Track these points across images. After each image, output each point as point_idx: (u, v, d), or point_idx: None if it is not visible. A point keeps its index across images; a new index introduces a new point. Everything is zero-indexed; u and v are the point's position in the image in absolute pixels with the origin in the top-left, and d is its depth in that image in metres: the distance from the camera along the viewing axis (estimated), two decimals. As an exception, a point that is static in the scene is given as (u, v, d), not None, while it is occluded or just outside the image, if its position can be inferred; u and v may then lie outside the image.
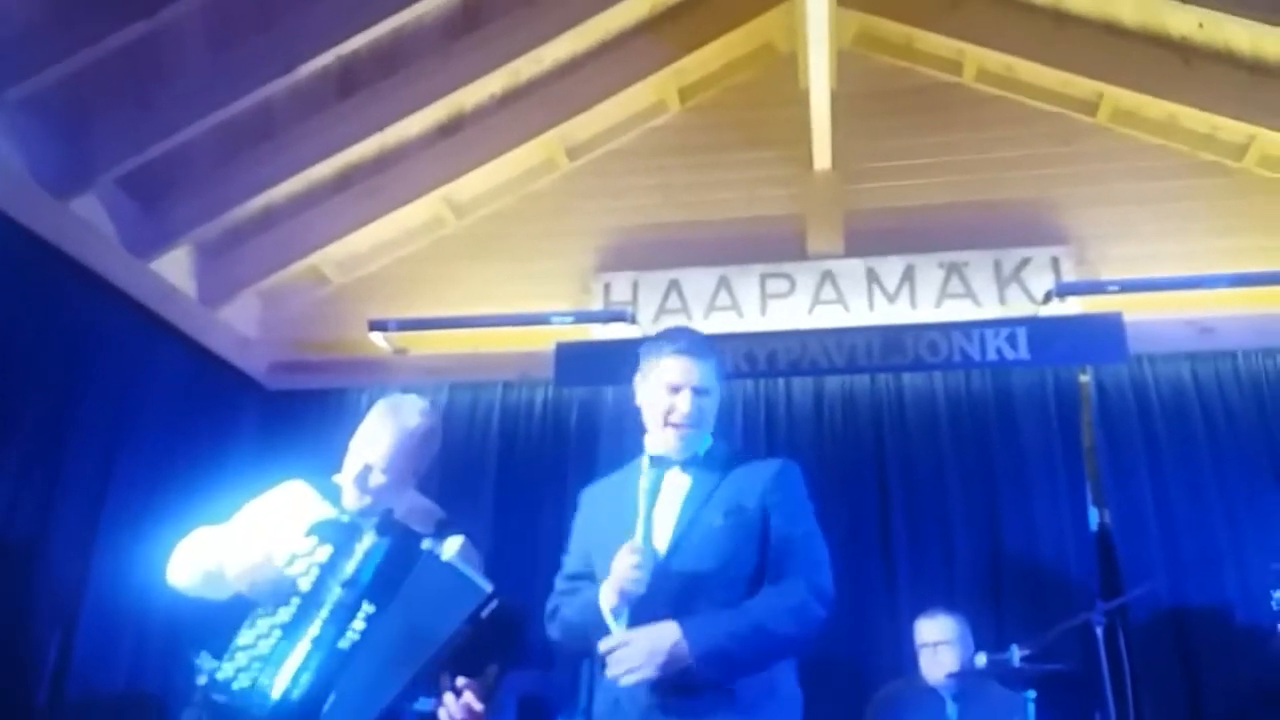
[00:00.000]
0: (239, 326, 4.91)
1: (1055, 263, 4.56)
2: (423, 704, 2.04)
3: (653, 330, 4.74)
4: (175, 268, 4.50)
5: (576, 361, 4.67)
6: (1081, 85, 4.72)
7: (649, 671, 1.88)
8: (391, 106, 4.34)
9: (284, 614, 2.07)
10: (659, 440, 2.12)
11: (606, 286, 4.88)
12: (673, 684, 1.90)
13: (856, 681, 3.91)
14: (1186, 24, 4.31)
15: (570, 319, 4.75)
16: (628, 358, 4.52)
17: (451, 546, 2.16)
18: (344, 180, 4.71)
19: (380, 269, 5.11)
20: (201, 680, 2.08)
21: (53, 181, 3.77)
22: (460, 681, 2.04)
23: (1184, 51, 4.40)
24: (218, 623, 2.24)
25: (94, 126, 3.86)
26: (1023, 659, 3.26)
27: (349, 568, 2.07)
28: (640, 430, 4.67)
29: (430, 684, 2.05)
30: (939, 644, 3.55)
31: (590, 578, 2.14)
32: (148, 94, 3.89)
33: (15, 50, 3.42)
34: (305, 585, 2.07)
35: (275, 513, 2.29)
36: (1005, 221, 4.69)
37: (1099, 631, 3.45)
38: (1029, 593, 4.07)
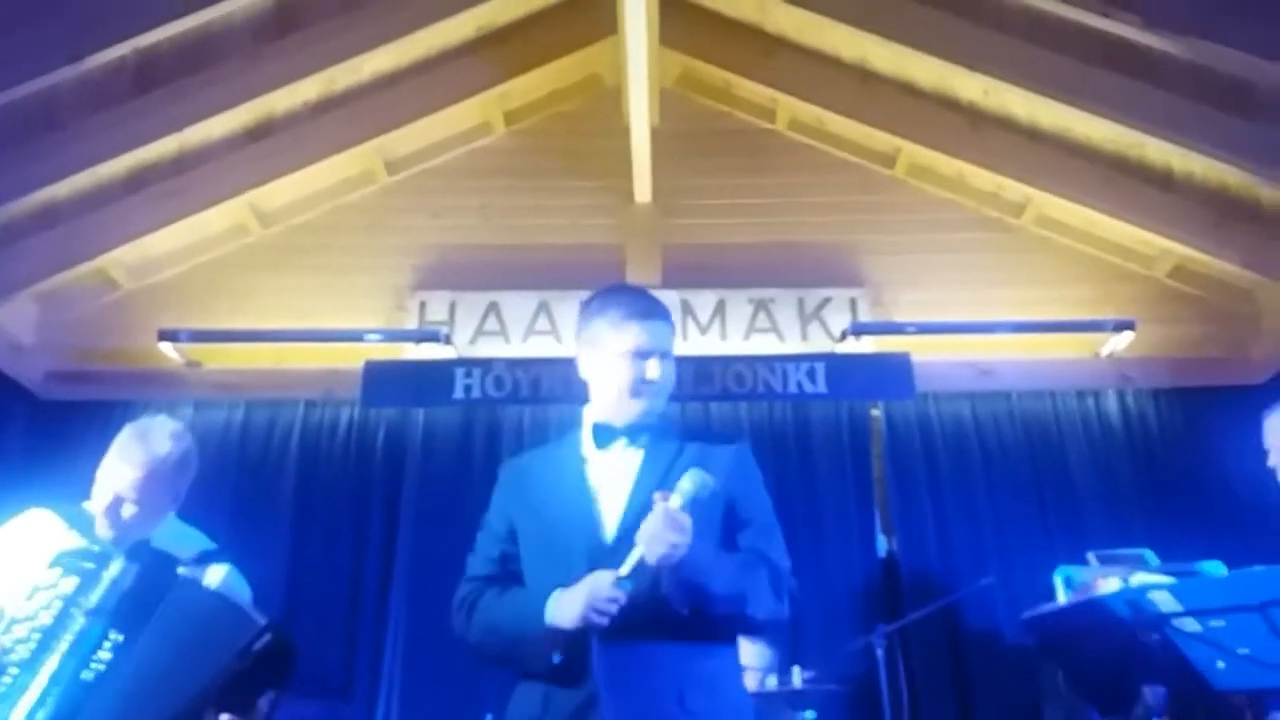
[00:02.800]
0: (12, 331, 4.50)
1: (853, 303, 4.83)
2: None
3: (469, 352, 4.69)
4: (-63, 263, 4.10)
5: (385, 381, 4.55)
6: (882, 139, 5.04)
7: (663, 547, 1.69)
8: (193, 106, 4.12)
9: (22, 650, 1.90)
10: (621, 410, 1.93)
11: (422, 305, 4.80)
12: (617, 681, 1.73)
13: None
14: (974, 89, 4.69)
15: (382, 337, 4.63)
16: (441, 379, 4.56)
17: (214, 575, 2.03)
18: (138, 180, 4.41)
19: (176, 276, 4.82)
20: None
21: None
22: (224, 718, 1.94)
23: (971, 115, 4.78)
24: None
25: None
26: (805, 681, 3.39)
27: (94, 597, 1.93)
28: (452, 453, 4.57)
29: (201, 717, 1.93)
30: (754, 669, 3.62)
31: (515, 559, 1.95)
32: (-91, 70, 3.55)
33: None
34: (47, 619, 1.91)
35: (12, 547, 2.09)
36: (809, 262, 4.94)
37: (879, 653, 3.64)
38: (820, 615, 4.25)
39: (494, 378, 4.60)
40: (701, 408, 4.66)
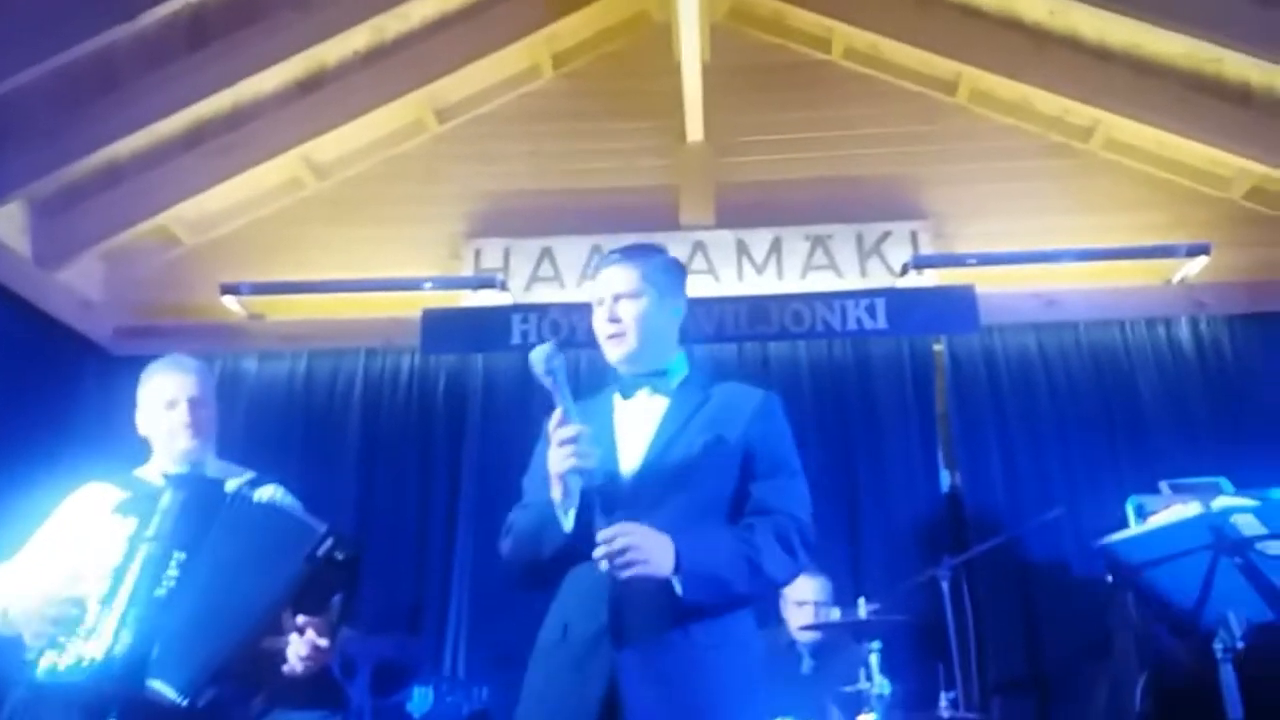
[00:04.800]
0: (81, 289, 4.62)
1: (914, 236, 4.72)
2: (269, 643, 2.02)
3: (524, 299, 4.70)
4: (8, 225, 4.20)
5: (444, 328, 4.59)
6: (942, 65, 4.88)
7: (649, 568, 1.74)
8: (246, 60, 4.15)
9: (100, 588, 2.02)
10: (609, 356, 2.01)
11: (477, 253, 4.81)
12: (629, 613, 1.79)
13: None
14: (1039, 9, 4.51)
15: (439, 285, 4.66)
16: (498, 325, 4.58)
17: (264, 493, 2.17)
18: (195, 137, 4.47)
19: (235, 230, 4.89)
20: (30, 656, 1.99)
21: None
22: (300, 620, 2.01)
23: (1036, 36, 4.60)
24: None
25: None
26: (870, 612, 3.38)
27: (152, 527, 2.05)
28: (512, 397, 4.63)
29: (274, 624, 2.04)
30: (814, 603, 3.61)
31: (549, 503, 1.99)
32: (-29, 34, 3.61)
33: None
34: (117, 558, 2.03)
35: (76, 514, 2.23)
36: (867, 196, 4.83)
37: (945, 586, 3.62)
38: (884, 551, 4.25)
39: (550, 322, 4.60)
40: (759, 347, 4.62)
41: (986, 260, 4.58)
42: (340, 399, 4.64)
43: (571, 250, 4.79)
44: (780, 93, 5.04)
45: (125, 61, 4.11)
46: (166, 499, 2.07)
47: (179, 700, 1.89)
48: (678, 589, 1.75)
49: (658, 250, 2.08)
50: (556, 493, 1.81)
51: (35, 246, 4.35)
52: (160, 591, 1.97)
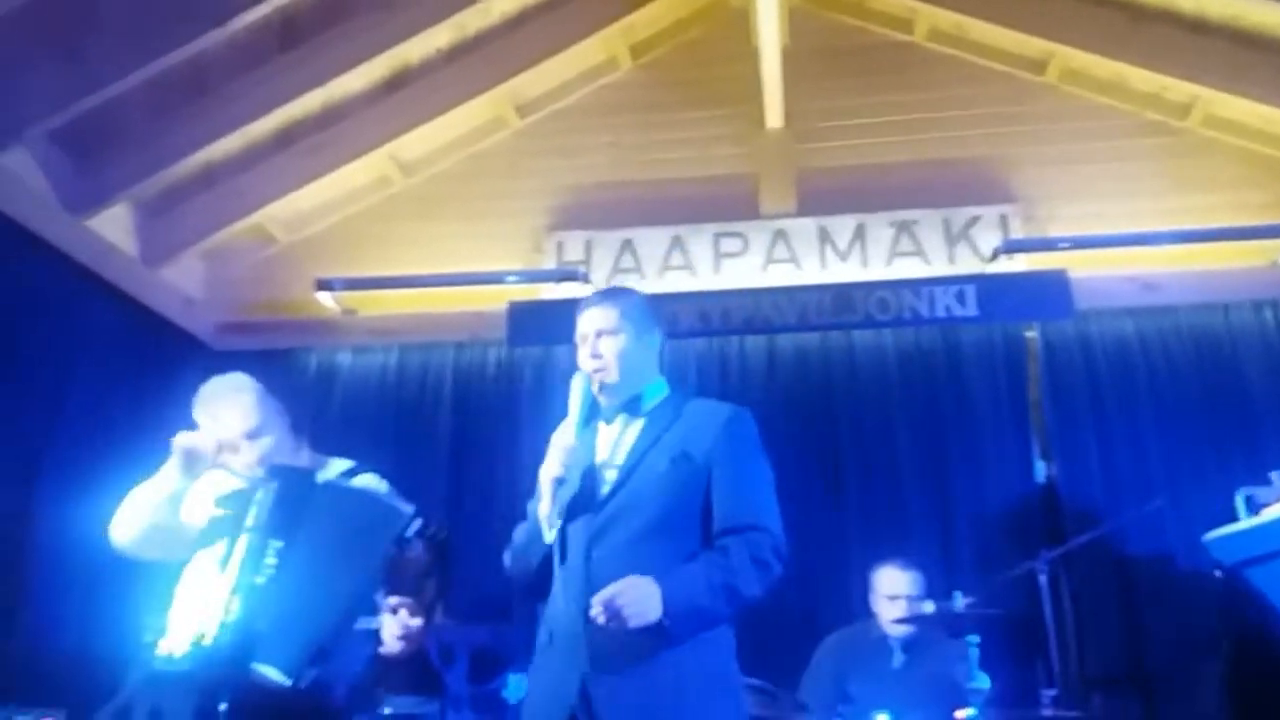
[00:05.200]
0: (183, 287, 4.79)
1: (1003, 220, 4.61)
2: (364, 623, 2.13)
3: (606, 290, 4.72)
4: (114, 226, 4.36)
5: (529, 321, 4.64)
6: (1031, 44, 4.74)
7: (641, 620, 1.87)
8: (334, 60, 4.23)
9: (204, 577, 2.13)
10: (594, 388, 2.19)
11: (559, 245, 4.84)
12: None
13: (806, 629, 3.94)
14: (1132, -17, 4.35)
15: (522, 278, 4.71)
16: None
17: (362, 480, 2.27)
18: (286, 137, 4.58)
19: (327, 228, 5.01)
20: (148, 638, 2.11)
21: (-22, 135, 3.63)
22: (394, 600, 2.12)
23: (1131, 11, 4.43)
24: (162, 582, 2.29)
25: (22, 78, 3.70)
26: (966, 605, 3.32)
27: (250, 517, 2.14)
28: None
29: (369, 605, 2.14)
30: (905, 597, 3.56)
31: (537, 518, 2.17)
32: (77, 45, 3.74)
33: (-67, -4, 3.28)
34: (222, 549, 2.14)
35: (193, 509, 2.34)
36: (955, 180, 4.72)
37: (1043, 579, 3.53)
38: (977, 543, 4.16)
39: (632, 313, 4.61)
40: (844, 336, 4.56)
41: (1080, 244, 4.44)
42: (431, 391, 4.72)
43: (652, 241, 4.79)
44: (862, 76, 4.96)
45: (218, 66, 4.22)
46: (262, 492, 2.17)
47: (284, 681, 1.99)
48: (665, 627, 1.88)
49: (632, 291, 2.34)
50: (545, 505, 2.01)
51: (141, 247, 4.51)
52: (260, 579, 2.07)
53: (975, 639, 3.21)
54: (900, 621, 3.52)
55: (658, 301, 4.41)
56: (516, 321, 4.63)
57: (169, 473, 2.22)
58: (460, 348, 4.80)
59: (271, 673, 2.00)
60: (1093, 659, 4.02)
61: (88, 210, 4.15)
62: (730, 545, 2.00)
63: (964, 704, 3.15)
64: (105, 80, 3.76)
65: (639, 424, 2.14)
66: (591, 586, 1.92)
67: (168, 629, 2.11)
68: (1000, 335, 4.49)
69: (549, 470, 2.02)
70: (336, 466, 2.42)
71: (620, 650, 1.91)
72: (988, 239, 4.56)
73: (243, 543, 2.11)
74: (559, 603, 2.02)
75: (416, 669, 3.29)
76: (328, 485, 2.20)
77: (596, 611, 1.86)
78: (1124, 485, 4.23)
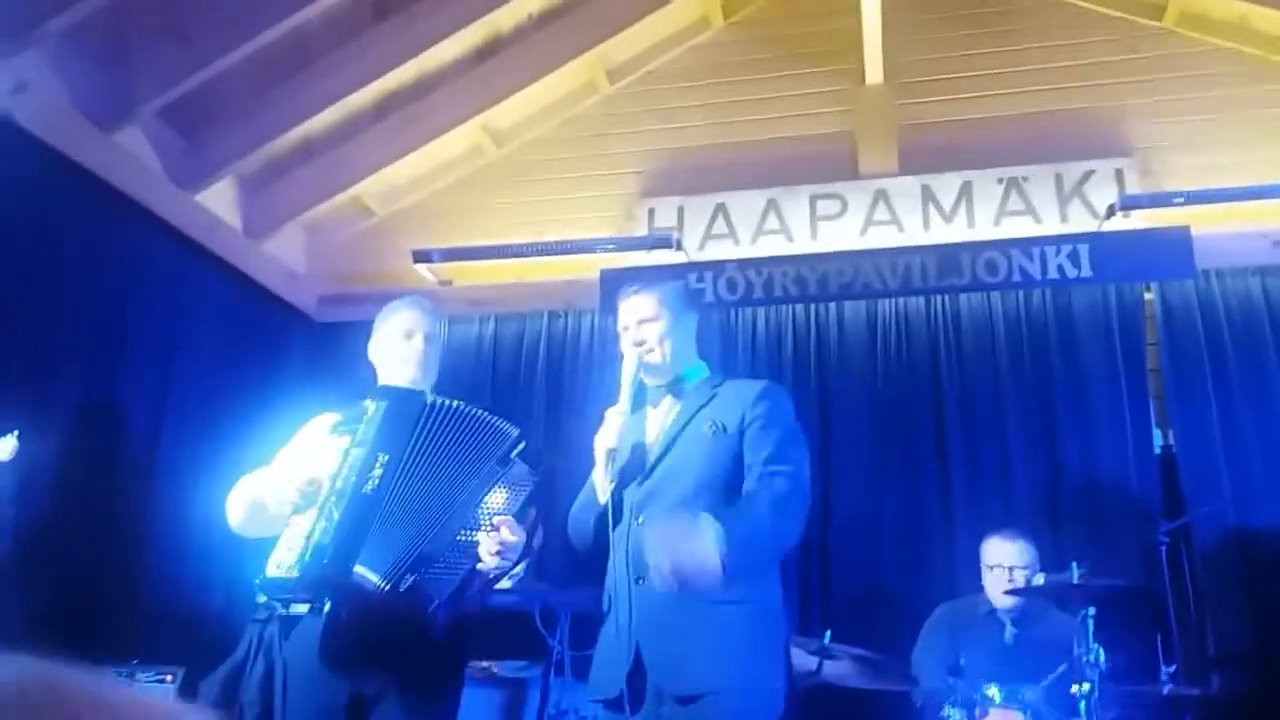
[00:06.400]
0: (285, 260, 4.90)
1: (1119, 175, 4.39)
2: (465, 536, 2.17)
3: (699, 256, 4.66)
4: (219, 200, 4.48)
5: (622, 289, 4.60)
6: (1147, -13, 4.48)
7: (707, 569, 1.96)
8: (428, 28, 4.23)
9: (323, 491, 2.19)
10: (641, 372, 2.34)
11: (651, 212, 4.79)
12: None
13: (911, 600, 3.86)
14: (1262, -84, 4.05)
15: (615, 246, 4.67)
16: (685, 296, 4.55)
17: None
18: (382, 109, 4.63)
19: (423, 199, 5.06)
20: (261, 598, 2.18)
21: (96, 113, 3.76)
22: (496, 519, 2.17)
23: (1258, -55, 4.15)
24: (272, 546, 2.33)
25: (133, 57, 3.83)
26: (1081, 577, 3.19)
27: (359, 434, 2.21)
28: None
29: (470, 519, 2.18)
30: (1012, 568, 3.45)
31: (593, 485, 2.34)
32: (184, 23, 3.83)
33: (54, -20, 3.38)
34: (332, 467, 2.20)
35: (307, 440, 2.41)
36: (1066, 133, 4.50)
37: (1162, 551, 3.38)
38: (1090, 514, 3.99)
39: (726, 280, 4.55)
40: (949, 300, 4.41)
41: (1201, 198, 4.20)
42: (526, 361, 4.75)
43: (746, 205, 4.70)
44: (965, 27, 4.76)
45: (315, 39, 4.28)
46: (372, 409, 2.24)
47: (380, 584, 2.06)
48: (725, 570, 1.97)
49: (670, 278, 2.54)
50: (598, 471, 2.22)
51: (244, 220, 4.63)
52: (367, 489, 2.14)
53: (1091, 611, 3.10)
54: (1009, 593, 3.41)
55: (749, 268, 4.46)
56: (609, 289, 4.59)
57: (274, 494, 2.25)
58: (554, 316, 4.81)
59: (371, 576, 2.07)
60: (1213, 635, 3.85)
61: (196, 185, 4.27)
62: (757, 488, 2.16)
63: (1080, 678, 3.05)
64: (211, 57, 3.85)
65: (681, 402, 2.32)
66: (638, 549, 2.10)
67: (280, 544, 2.17)
68: (1115, 297, 4.28)
69: (604, 440, 2.21)
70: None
71: (667, 610, 2.06)
72: (1102, 195, 4.35)
73: (351, 457, 2.17)
74: (614, 568, 2.22)
75: (520, 632, 3.33)
76: (435, 404, 2.25)
77: (660, 579, 1.96)
78: (1248, 454, 4.01)
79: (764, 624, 2.13)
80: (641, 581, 2.11)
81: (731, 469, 2.21)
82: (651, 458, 2.26)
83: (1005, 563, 3.47)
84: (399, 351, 2.45)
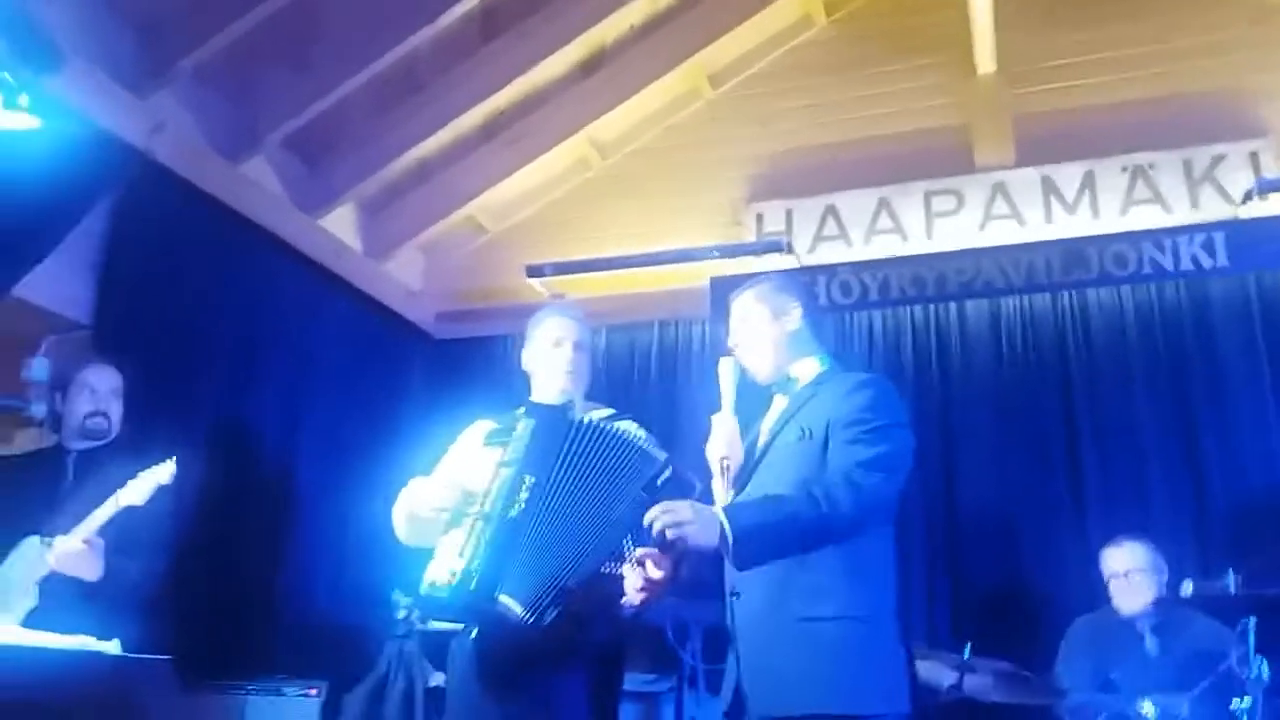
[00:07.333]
0: (404, 279, 5.05)
1: (1254, 158, 4.16)
2: (610, 568, 2.13)
3: (809, 260, 4.60)
4: (341, 224, 4.64)
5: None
6: (1282, -44, 4.23)
7: (694, 540, 1.90)
8: (534, 46, 4.31)
9: (475, 509, 2.20)
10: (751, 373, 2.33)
11: (759, 217, 4.75)
12: (743, 586, 2.04)
13: (1047, 610, 3.75)
14: None
15: (723, 253, 4.65)
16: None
17: (623, 424, 2.31)
18: (490, 128, 4.72)
19: (533, 215, 5.13)
20: (401, 614, 2.21)
21: (224, 146, 3.94)
22: (640, 552, 2.06)
23: None
24: (410, 562, 2.38)
25: (257, 90, 3.99)
26: (1239, 585, 3.03)
27: (508, 453, 2.21)
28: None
29: (614, 550, 2.13)
30: (1130, 572, 3.35)
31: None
32: (303, 54, 3.97)
33: (184, 22, 3.55)
34: (484, 483, 2.21)
35: (465, 447, 2.45)
36: (1194, 116, 4.30)
37: (1324, 557, 3.19)
38: (1235, 518, 3.80)
39: (839, 283, 4.49)
40: (1077, 296, 4.25)
41: (1351, 177, 3.96)
42: (639, 371, 4.77)
43: (856, 205, 4.62)
44: (1080, 9, 4.58)
45: (425, 63, 4.38)
46: (520, 427, 2.23)
47: (524, 616, 2.03)
48: (729, 557, 1.92)
49: (765, 278, 2.44)
50: (716, 481, 2.13)
51: (364, 242, 4.79)
52: (513, 513, 2.12)
53: (1252, 621, 2.94)
54: (1150, 605, 3.28)
55: (863, 271, 4.38)
56: (719, 296, 4.58)
57: (429, 500, 2.30)
58: (664, 326, 4.81)
59: (514, 606, 2.05)
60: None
61: (319, 210, 4.43)
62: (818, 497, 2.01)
63: (1241, 692, 2.89)
64: (330, 86, 3.99)
65: (784, 401, 2.25)
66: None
67: (435, 559, 2.18)
68: (1256, 287, 4.06)
69: (714, 449, 2.14)
70: (598, 414, 2.46)
71: (757, 627, 2.00)
72: (1236, 180, 4.13)
73: (499, 476, 2.17)
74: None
75: (652, 646, 3.34)
76: (584, 424, 2.22)
77: (653, 516, 1.89)
78: None
79: (873, 642, 1.98)
80: (737, 597, 2.05)
81: (814, 471, 2.07)
82: (750, 465, 2.19)
83: (1121, 569, 3.37)
84: (549, 360, 2.48)
